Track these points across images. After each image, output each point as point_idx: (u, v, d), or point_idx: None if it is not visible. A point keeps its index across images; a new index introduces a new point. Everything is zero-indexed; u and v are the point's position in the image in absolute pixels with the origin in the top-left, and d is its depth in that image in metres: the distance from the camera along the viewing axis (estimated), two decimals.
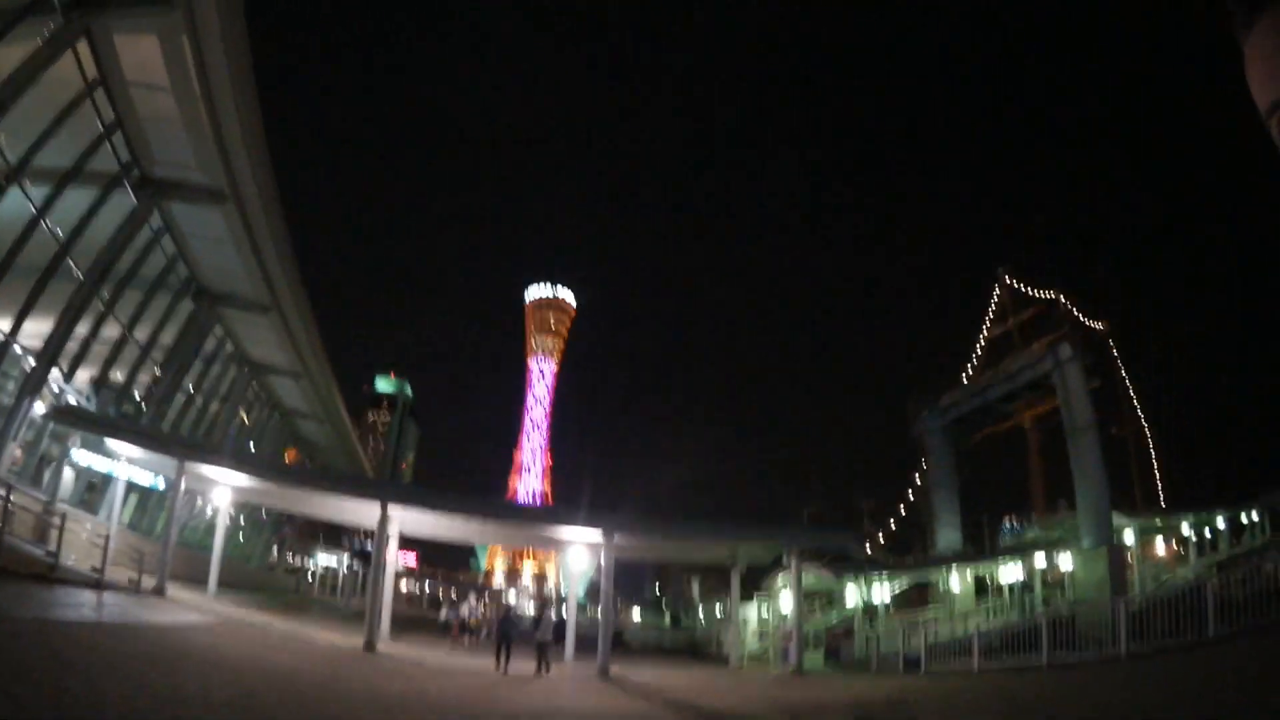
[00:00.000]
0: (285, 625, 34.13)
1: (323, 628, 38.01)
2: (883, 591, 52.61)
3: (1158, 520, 65.90)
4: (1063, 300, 78.62)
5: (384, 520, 33.82)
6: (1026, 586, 56.10)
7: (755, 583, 54.69)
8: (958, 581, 56.67)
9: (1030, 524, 75.15)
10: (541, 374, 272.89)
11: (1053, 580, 58.25)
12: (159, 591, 30.97)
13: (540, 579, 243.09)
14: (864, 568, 53.78)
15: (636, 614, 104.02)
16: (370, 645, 30.02)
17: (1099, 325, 75.01)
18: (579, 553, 39.97)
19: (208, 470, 36.13)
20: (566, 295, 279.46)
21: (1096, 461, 61.05)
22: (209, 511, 46.26)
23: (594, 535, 36.56)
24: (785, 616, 48.81)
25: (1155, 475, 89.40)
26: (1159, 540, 67.19)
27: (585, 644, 41.32)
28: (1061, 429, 79.33)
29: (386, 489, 38.90)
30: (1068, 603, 51.16)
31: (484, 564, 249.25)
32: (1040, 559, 57.02)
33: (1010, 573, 56.81)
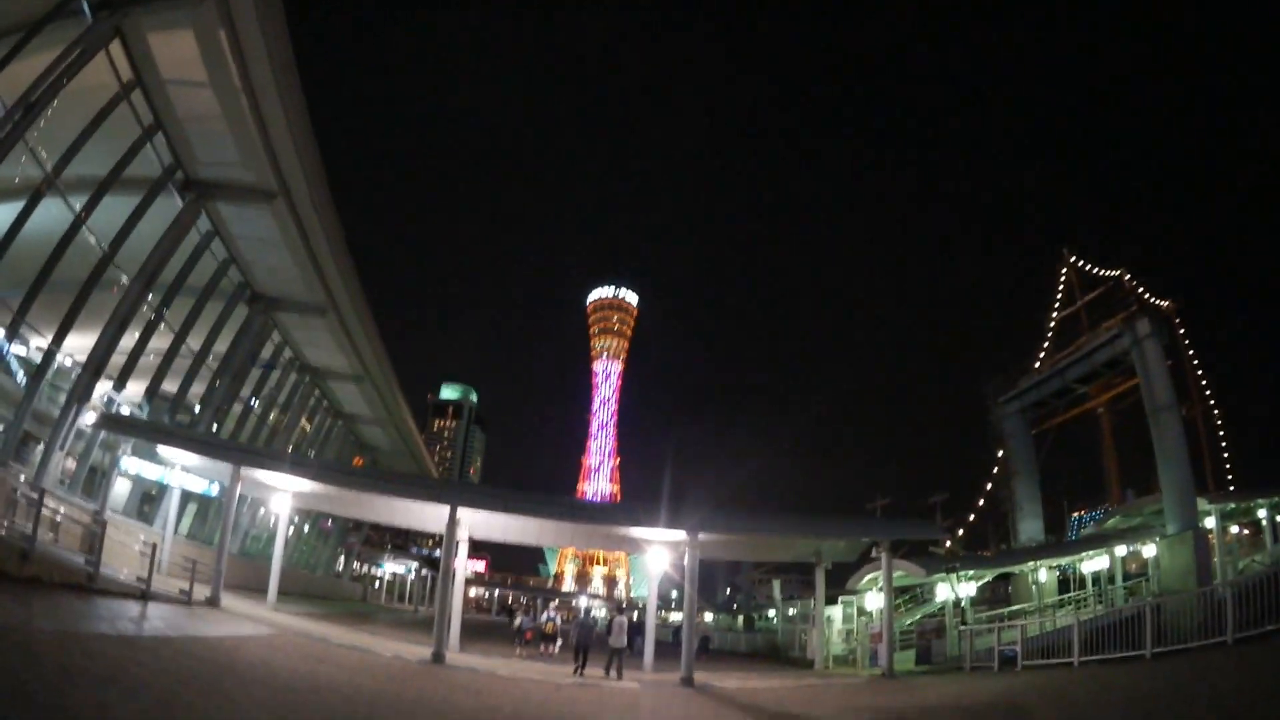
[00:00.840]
0: (349, 635, 32.63)
1: (389, 637, 36.62)
2: (969, 587, 50.71)
3: (1234, 505, 61.70)
4: (1129, 278, 75.72)
5: (452, 523, 31.88)
6: (1110, 577, 55.10)
7: (838, 582, 52.94)
8: (1044, 574, 55.53)
9: (1106, 512, 74.44)
10: (606, 376, 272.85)
11: (1136, 569, 57.77)
12: (213, 602, 29.78)
13: (610, 582, 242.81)
14: (955, 562, 51.32)
15: (709, 617, 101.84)
16: (438, 656, 28.21)
17: (1165, 304, 71.19)
18: (658, 554, 37.84)
19: (264, 475, 34.59)
20: (628, 295, 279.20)
21: (1179, 442, 58.64)
22: (270, 520, 44.82)
23: (676, 535, 34.45)
24: (871, 615, 47.22)
25: (1223, 458, 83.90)
26: (1232, 526, 63.73)
27: (662, 649, 39.93)
28: (1136, 412, 79.10)
29: (455, 490, 37.22)
30: (1152, 592, 50.59)
31: (553, 568, 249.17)
32: (1122, 549, 55.96)
33: (1097, 563, 55.44)
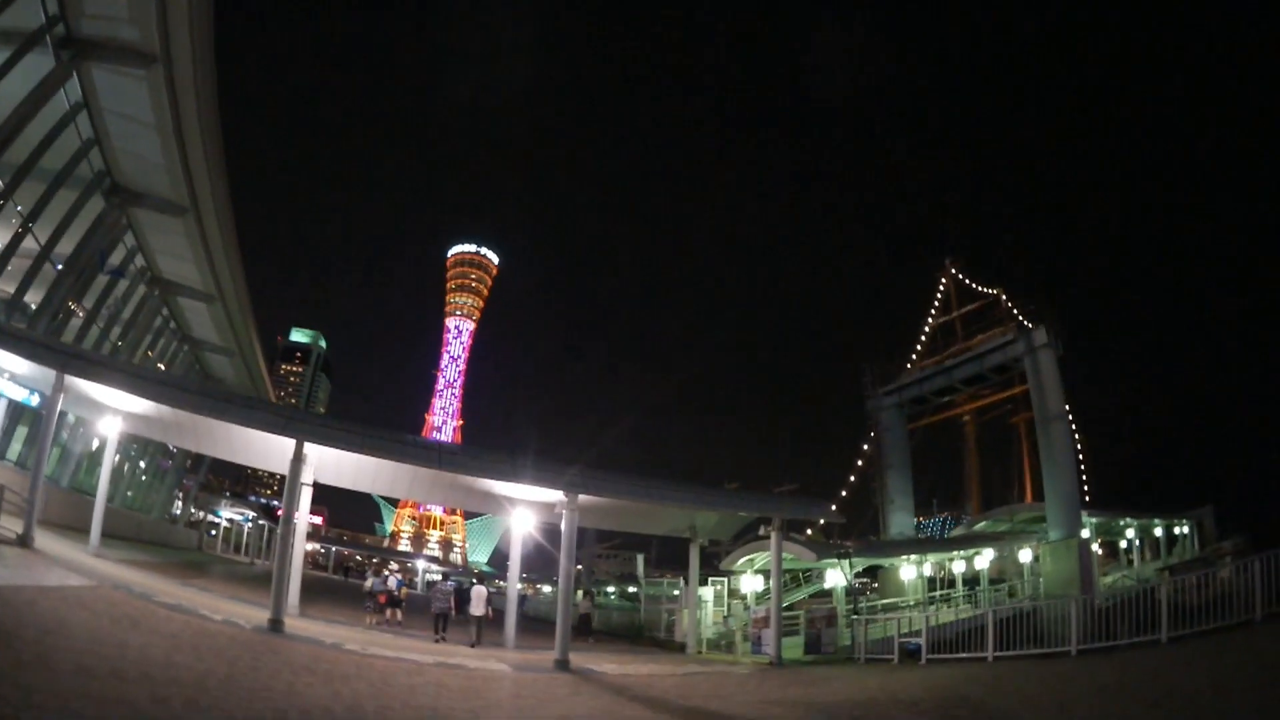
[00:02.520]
0: (177, 591, 27.89)
1: (222, 594, 32.25)
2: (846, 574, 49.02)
3: (1108, 520, 67.13)
4: (1004, 299, 77.82)
5: (297, 461, 26.88)
6: (976, 579, 56.39)
7: (708, 562, 51.27)
8: (928, 569, 55.55)
9: (964, 516, 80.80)
10: (458, 333, 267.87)
11: (994, 573, 59.81)
12: (24, 542, 24.99)
13: (446, 545, 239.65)
14: (848, 547, 51.28)
15: (546, 589, 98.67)
16: (277, 623, 23.71)
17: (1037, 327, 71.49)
18: (523, 515, 33.86)
19: (93, 389, 29.19)
20: (489, 254, 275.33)
21: (1067, 451, 60.44)
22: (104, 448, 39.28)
23: (552, 495, 30.51)
24: (746, 598, 45.53)
25: (1081, 477, 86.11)
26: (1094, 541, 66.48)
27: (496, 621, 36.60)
28: (997, 425, 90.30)
29: (304, 422, 31.21)
30: (1029, 595, 53.32)
31: (389, 526, 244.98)
32: (998, 551, 59.80)
33: (980, 562, 56.31)
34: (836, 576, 47.46)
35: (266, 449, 30.16)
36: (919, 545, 62.34)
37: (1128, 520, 69.58)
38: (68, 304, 41.31)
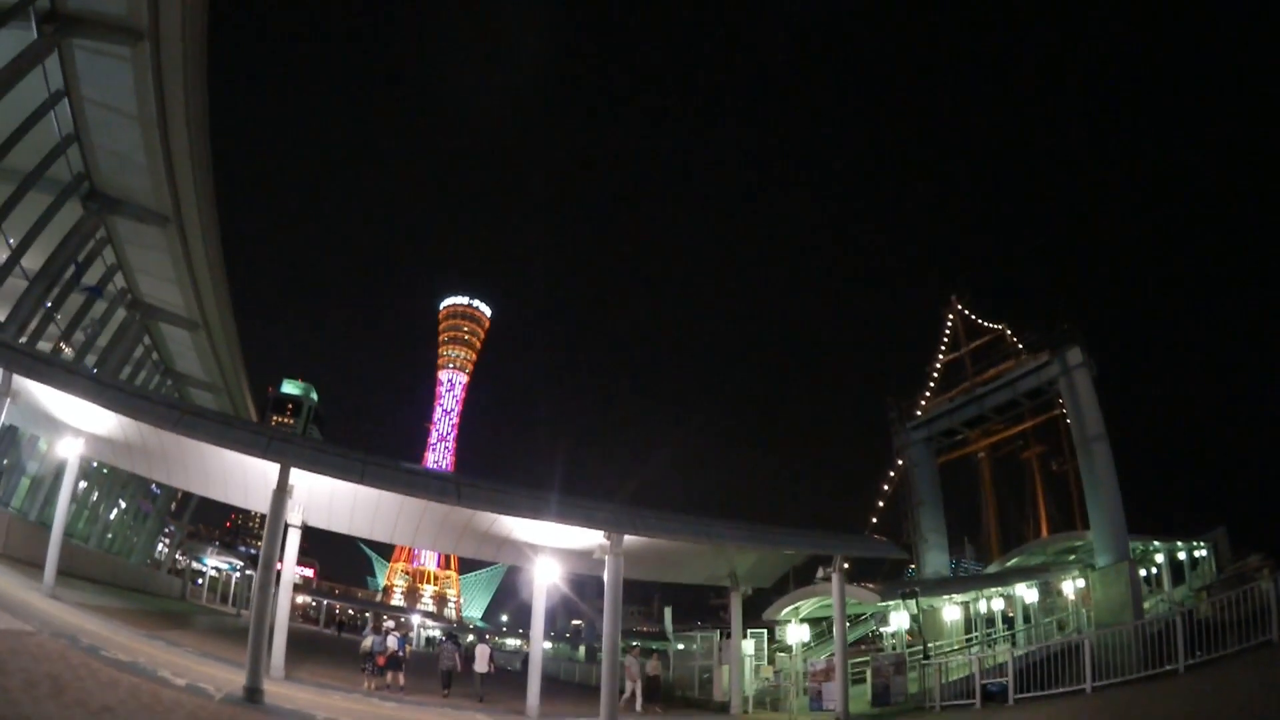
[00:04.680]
0: (137, 645, 23.14)
1: (195, 649, 27.90)
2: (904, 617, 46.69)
3: (1141, 546, 63.16)
4: (1009, 334, 77.17)
5: (282, 491, 21.69)
6: (1007, 615, 55.21)
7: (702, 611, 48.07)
8: (957, 610, 53.10)
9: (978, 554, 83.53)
10: (451, 386, 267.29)
11: (1059, 606, 57.44)
12: None
13: (440, 600, 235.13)
14: (915, 587, 47.33)
15: (546, 645, 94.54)
16: (254, 692, 18.66)
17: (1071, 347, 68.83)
18: (548, 564, 29.80)
19: (46, 396, 24.17)
20: (482, 306, 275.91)
21: (1110, 473, 57.73)
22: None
23: (589, 537, 26.21)
24: (792, 650, 42.85)
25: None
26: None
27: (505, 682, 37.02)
28: (1012, 460, 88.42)
29: (290, 443, 24.75)
30: (1081, 626, 51.07)
31: (382, 581, 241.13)
32: (1046, 582, 57.23)
33: (1029, 595, 54.00)
34: (899, 619, 45.15)
35: (246, 478, 24.69)
36: (974, 582, 59.62)
37: (1156, 544, 67.16)
38: (37, 324, 36.97)
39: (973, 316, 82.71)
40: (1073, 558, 62.45)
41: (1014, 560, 67.06)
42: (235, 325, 48.57)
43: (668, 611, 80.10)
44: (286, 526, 24.23)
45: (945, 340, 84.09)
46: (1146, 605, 56.23)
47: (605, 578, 25.86)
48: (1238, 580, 44.38)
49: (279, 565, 23.80)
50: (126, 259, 41.27)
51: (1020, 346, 72.91)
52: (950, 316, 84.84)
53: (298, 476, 22.23)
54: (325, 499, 25.18)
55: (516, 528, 26.77)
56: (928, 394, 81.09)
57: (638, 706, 33.76)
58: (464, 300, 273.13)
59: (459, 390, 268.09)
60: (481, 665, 34.19)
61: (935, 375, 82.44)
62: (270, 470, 21.99)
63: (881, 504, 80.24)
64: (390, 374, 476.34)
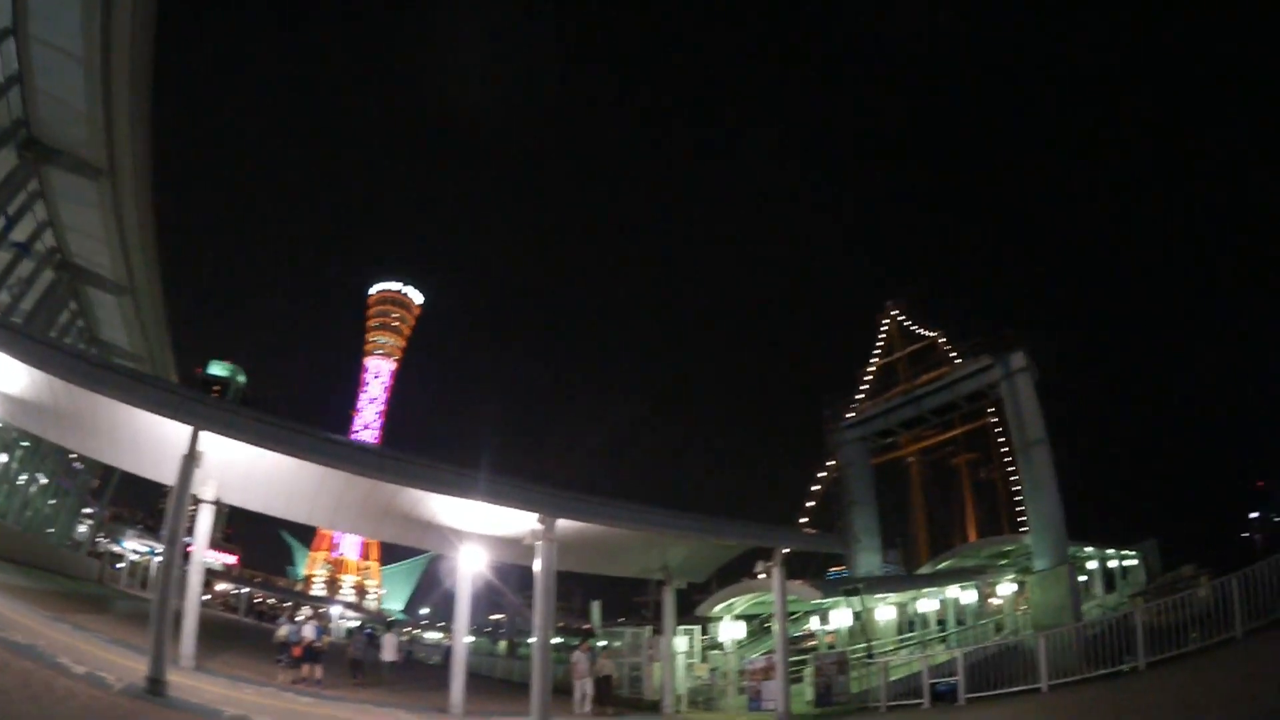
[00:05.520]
0: (42, 627, 22.08)
1: (104, 634, 26.22)
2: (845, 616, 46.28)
3: (1082, 550, 65.37)
4: (943, 342, 79.18)
5: (191, 457, 19.79)
6: (940, 617, 54.83)
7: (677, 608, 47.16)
8: (892, 610, 52.05)
9: (903, 557, 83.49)
10: (377, 374, 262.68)
11: (992, 609, 58.23)
12: None
13: (361, 592, 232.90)
14: (859, 584, 47.30)
15: (469, 639, 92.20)
16: (157, 683, 16.93)
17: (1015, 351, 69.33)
18: (475, 551, 28.32)
19: None
20: (412, 293, 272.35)
21: (1050, 477, 59.26)
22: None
23: (522, 521, 24.68)
24: (724, 647, 42.18)
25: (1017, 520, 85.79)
26: None
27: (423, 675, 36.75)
28: (942, 466, 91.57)
29: (205, 405, 22.04)
30: (1018, 627, 52.11)
31: (302, 570, 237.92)
32: (1007, 584, 58.38)
33: (967, 596, 54.52)
34: (841, 617, 44.75)
35: (157, 444, 22.59)
36: (912, 582, 59.10)
37: (1089, 551, 68.19)
38: None
39: (909, 323, 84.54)
40: (1005, 561, 63.18)
41: (946, 563, 67.28)
42: (163, 293, 47.35)
43: (595, 606, 79.03)
44: (198, 501, 22.64)
45: (881, 344, 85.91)
46: (1084, 608, 56.97)
47: (537, 566, 24.53)
48: (1173, 587, 45.21)
49: (189, 543, 22.32)
50: (58, 215, 39.79)
51: (954, 355, 74.75)
52: (887, 322, 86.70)
53: (211, 444, 20.26)
54: (241, 472, 23.26)
55: (442, 510, 25.35)
56: (861, 396, 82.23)
57: (587, 708, 32.00)
58: (394, 286, 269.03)
59: (386, 378, 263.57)
60: (389, 654, 35.94)
61: (870, 378, 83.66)
62: (182, 435, 20.02)
63: (813, 503, 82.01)
64: (322, 360, 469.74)
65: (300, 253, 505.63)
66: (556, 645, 69.52)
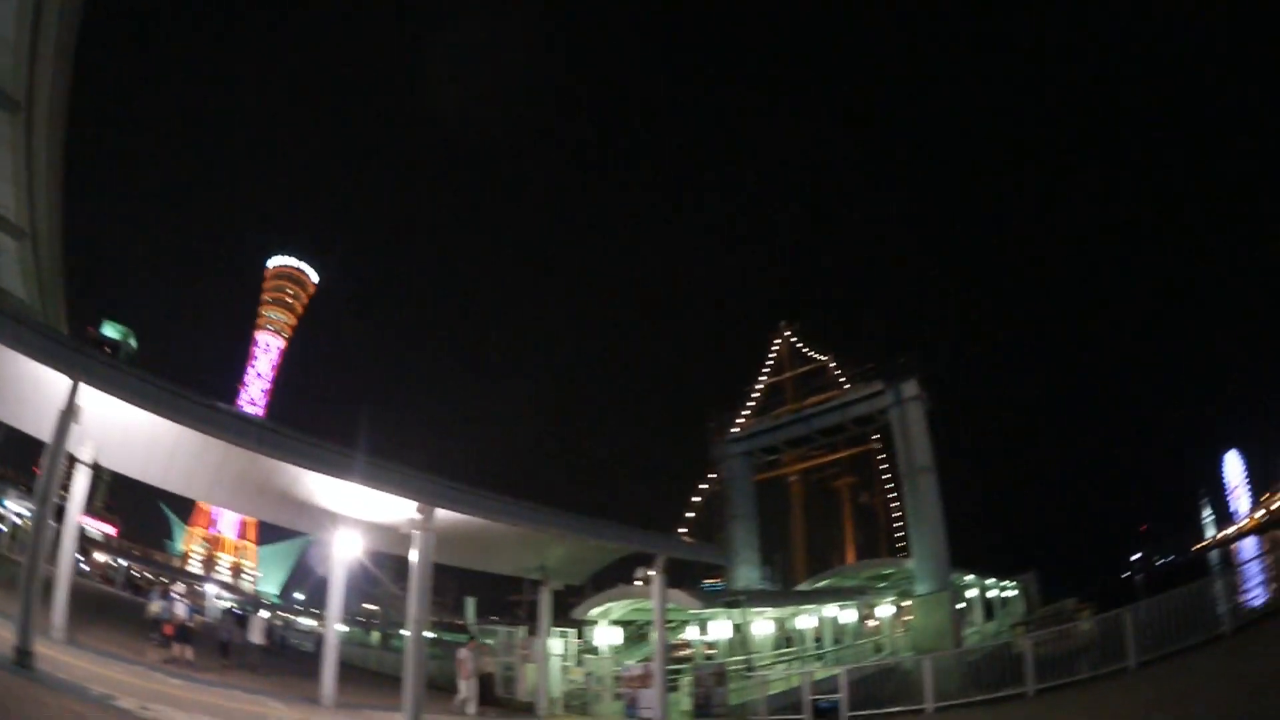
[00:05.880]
0: None
1: None
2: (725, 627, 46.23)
3: (962, 578, 65.97)
4: (833, 366, 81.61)
5: (69, 413, 19.06)
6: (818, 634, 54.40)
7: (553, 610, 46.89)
8: (770, 625, 51.15)
9: (780, 573, 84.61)
10: (266, 349, 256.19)
11: (868, 630, 59.17)
12: None
13: (237, 572, 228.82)
14: (742, 595, 48.33)
15: (343, 629, 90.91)
16: (25, 655, 16.24)
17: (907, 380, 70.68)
18: (350, 536, 27.24)
19: None
20: (308, 270, 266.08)
21: (935, 504, 61.08)
22: None
23: (399, 510, 24.33)
24: (598, 652, 41.64)
25: (895, 545, 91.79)
26: None
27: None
28: (821, 488, 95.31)
29: (87, 357, 20.82)
30: (899, 649, 53.80)
31: (180, 545, 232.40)
32: (886, 606, 59.12)
33: (846, 616, 55.02)
34: (720, 629, 44.68)
35: (37, 396, 21.62)
36: (793, 597, 59.80)
37: (970, 579, 69.53)
38: None
39: (800, 345, 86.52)
40: (884, 584, 64.02)
41: (825, 582, 67.88)
42: (64, 242, 46.01)
43: (470, 602, 77.76)
44: (75, 461, 22.30)
45: (771, 363, 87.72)
46: (965, 634, 58.69)
47: (413, 556, 24.21)
48: (1056, 619, 46.36)
49: (62, 505, 21.62)
50: None
51: (843, 380, 77.12)
52: (779, 342, 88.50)
53: (91, 400, 19.48)
54: (120, 434, 22.27)
55: (320, 490, 24.42)
56: (748, 412, 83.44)
57: (472, 709, 31.46)
58: (291, 262, 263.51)
59: (275, 355, 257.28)
60: (256, 637, 36.15)
61: (758, 395, 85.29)
62: (59, 385, 19.20)
63: (693, 514, 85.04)
64: (217, 332, 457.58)
65: (209, 222, 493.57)
66: (432, 640, 69.04)
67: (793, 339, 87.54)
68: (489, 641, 41.50)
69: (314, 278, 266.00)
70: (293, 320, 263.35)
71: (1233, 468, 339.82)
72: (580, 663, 42.03)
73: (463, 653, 33.44)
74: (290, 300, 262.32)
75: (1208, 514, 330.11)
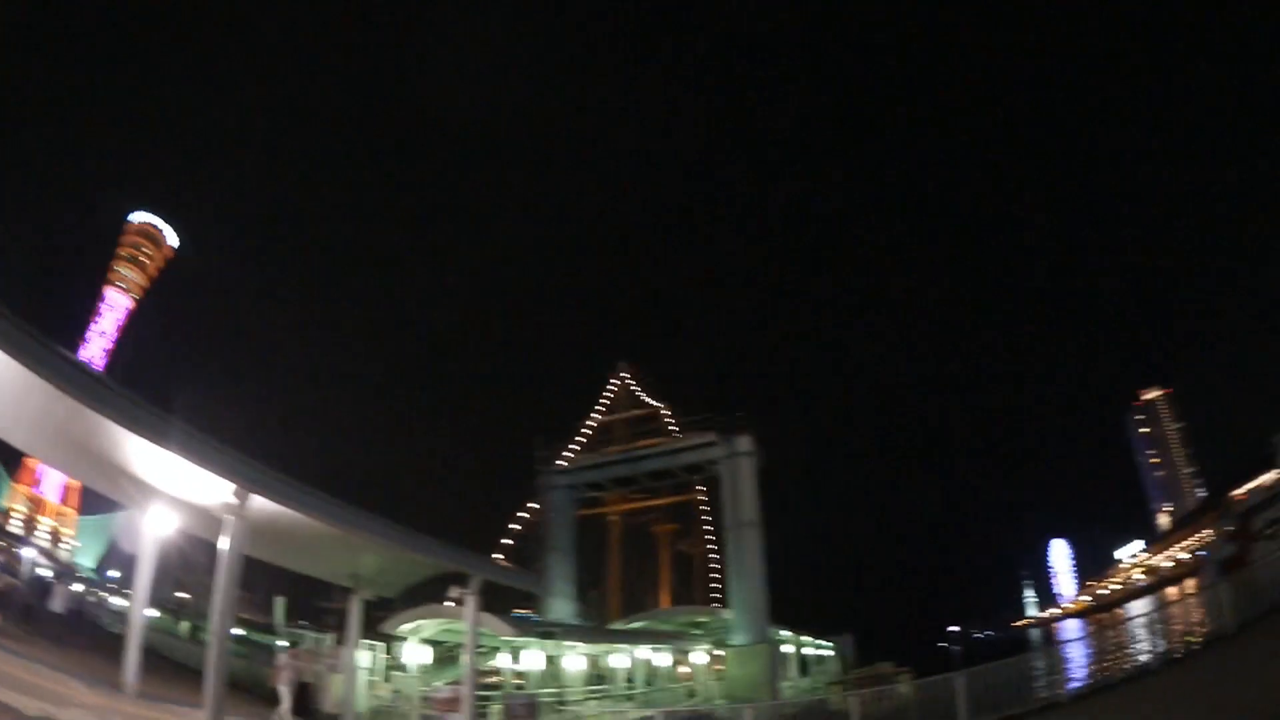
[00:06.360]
0: None
1: None
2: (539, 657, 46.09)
3: (777, 633, 65.96)
4: (666, 415, 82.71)
5: None
6: (633, 675, 53.98)
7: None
8: (582, 661, 50.71)
9: (592, 610, 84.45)
10: (114, 307, 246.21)
11: (681, 675, 59.31)
12: None
13: (56, 539, 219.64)
14: (556, 628, 49.42)
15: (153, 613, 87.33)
16: None
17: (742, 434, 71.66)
18: (165, 515, 25.44)
19: None
20: (168, 231, 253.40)
21: (757, 558, 62.38)
22: None
23: (214, 491, 23.03)
24: (408, 670, 40.93)
25: (710, 594, 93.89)
26: None
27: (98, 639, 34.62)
28: (641, 531, 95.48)
29: None
30: (712, 697, 53.70)
31: (3, 502, 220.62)
32: (700, 653, 59.01)
33: (659, 659, 55.38)
34: (533, 659, 44.31)
35: None
36: (608, 635, 59.58)
37: (786, 635, 70.43)
38: None
39: (636, 388, 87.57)
40: (699, 631, 64.75)
41: (640, 623, 67.97)
42: None
43: (279, 602, 74.23)
44: None
45: (606, 402, 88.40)
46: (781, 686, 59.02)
47: (224, 544, 23.11)
48: (873, 680, 48.23)
49: None
50: None
51: (674, 428, 78.38)
52: (616, 382, 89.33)
53: None
54: None
55: (137, 456, 22.59)
56: (575, 447, 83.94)
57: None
58: (152, 220, 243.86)
59: (120, 314, 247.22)
60: (57, 604, 38.84)
61: (588, 432, 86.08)
62: None
63: (511, 541, 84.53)
64: (71, 283, 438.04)
65: (76, 167, 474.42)
66: (239, 638, 66.57)
67: (629, 381, 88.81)
68: (309, 649, 40.39)
69: (172, 242, 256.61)
70: (144, 281, 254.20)
71: (1059, 553, 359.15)
72: (388, 679, 41.20)
73: (283, 660, 32.50)
74: (145, 261, 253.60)
75: (1030, 594, 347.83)
